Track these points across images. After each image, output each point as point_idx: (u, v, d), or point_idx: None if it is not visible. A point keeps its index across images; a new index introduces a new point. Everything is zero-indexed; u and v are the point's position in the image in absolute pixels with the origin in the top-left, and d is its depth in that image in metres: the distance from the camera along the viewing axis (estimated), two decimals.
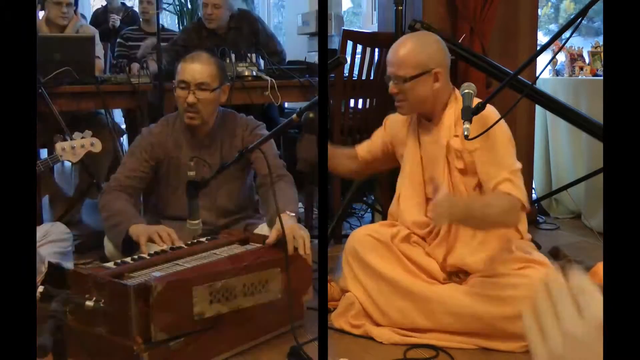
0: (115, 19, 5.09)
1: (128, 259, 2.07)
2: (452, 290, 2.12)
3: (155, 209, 2.60)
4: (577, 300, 0.57)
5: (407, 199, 2.29)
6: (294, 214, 2.18)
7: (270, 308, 2.11)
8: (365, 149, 2.44)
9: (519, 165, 2.10)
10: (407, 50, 2.12)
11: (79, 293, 1.81)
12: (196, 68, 2.35)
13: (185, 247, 2.21)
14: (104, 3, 5.47)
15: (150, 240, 2.20)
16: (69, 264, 2.40)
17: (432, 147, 2.21)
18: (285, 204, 2.14)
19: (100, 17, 5.35)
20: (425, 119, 2.24)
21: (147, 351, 1.77)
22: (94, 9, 5.70)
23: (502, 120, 2.03)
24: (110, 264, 2.03)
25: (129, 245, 2.25)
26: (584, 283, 0.58)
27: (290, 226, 2.10)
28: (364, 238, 2.25)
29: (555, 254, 2.89)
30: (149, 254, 2.11)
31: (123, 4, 5.47)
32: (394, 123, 2.36)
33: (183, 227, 2.13)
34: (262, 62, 3.40)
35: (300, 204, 3.55)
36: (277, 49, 3.85)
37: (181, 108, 2.39)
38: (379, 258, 2.20)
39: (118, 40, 4.50)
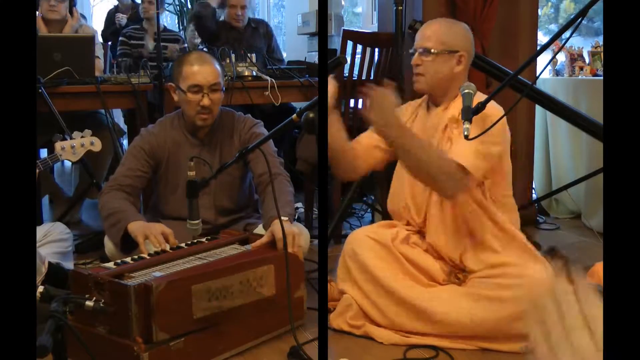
0: (122, 18, 5.10)
1: (128, 259, 2.07)
2: (452, 292, 2.12)
3: (155, 208, 2.60)
4: (587, 321, 0.56)
5: (399, 184, 2.29)
6: (286, 218, 2.18)
7: (270, 307, 2.11)
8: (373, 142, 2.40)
9: (488, 149, 2.04)
10: (439, 27, 2.20)
11: (79, 293, 1.81)
12: (207, 70, 2.35)
13: (185, 247, 2.21)
14: (116, 3, 5.48)
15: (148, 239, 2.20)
16: (69, 264, 2.40)
17: (431, 132, 2.21)
18: (280, 207, 2.14)
19: (113, 17, 5.37)
20: (434, 104, 2.25)
21: (147, 351, 1.77)
22: (108, 10, 5.70)
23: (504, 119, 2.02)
24: (111, 264, 2.03)
25: (128, 243, 2.24)
26: (595, 302, 0.57)
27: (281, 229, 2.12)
28: (363, 239, 2.24)
29: (552, 254, 2.89)
30: (149, 254, 2.11)
31: (133, 1, 5.47)
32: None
33: (183, 227, 2.13)
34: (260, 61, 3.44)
35: (300, 204, 3.56)
36: (280, 57, 4.34)
37: (192, 111, 2.37)
38: (378, 261, 2.19)
39: (120, 38, 4.51)
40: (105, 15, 5.59)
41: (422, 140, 2.08)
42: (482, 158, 2.04)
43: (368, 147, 2.27)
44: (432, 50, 2.16)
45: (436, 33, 2.18)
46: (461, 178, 2.02)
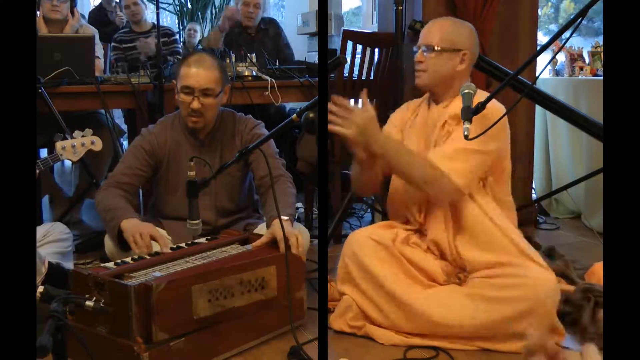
0: (123, 17, 5.05)
1: (128, 259, 2.07)
2: (452, 293, 2.11)
3: (155, 208, 2.60)
4: None
5: (398, 182, 2.28)
6: (287, 218, 2.18)
7: (270, 308, 2.11)
8: None
9: (481, 147, 2.05)
10: (444, 25, 2.22)
11: (79, 293, 1.81)
12: (201, 74, 2.33)
13: (185, 247, 2.21)
14: (98, 2, 5.44)
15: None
16: (69, 264, 2.40)
17: (430, 128, 2.22)
18: (281, 207, 2.15)
19: (98, 16, 5.32)
20: (435, 102, 2.26)
21: (147, 351, 1.77)
22: (90, 11, 5.67)
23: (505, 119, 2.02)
24: (111, 264, 2.03)
25: (124, 240, 2.24)
26: None
27: (285, 230, 2.12)
28: (363, 240, 2.22)
29: (550, 254, 2.89)
30: (149, 254, 2.11)
31: (117, 3, 5.44)
32: (398, 119, 2.36)
33: (183, 227, 2.13)
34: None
35: (300, 204, 3.56)
36: (289, 52, 4.36)
37: (184, 112, 2.38)
38: (378, 262, 2.18)
39: (112, 44, 4.50)
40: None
41: (408, 149, 2.11)
42: (467, 159, 2.06)
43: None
44: (436, 48, 2.17)
45: (441, 31, 2.19)
46: (451, 183, 2.04)
